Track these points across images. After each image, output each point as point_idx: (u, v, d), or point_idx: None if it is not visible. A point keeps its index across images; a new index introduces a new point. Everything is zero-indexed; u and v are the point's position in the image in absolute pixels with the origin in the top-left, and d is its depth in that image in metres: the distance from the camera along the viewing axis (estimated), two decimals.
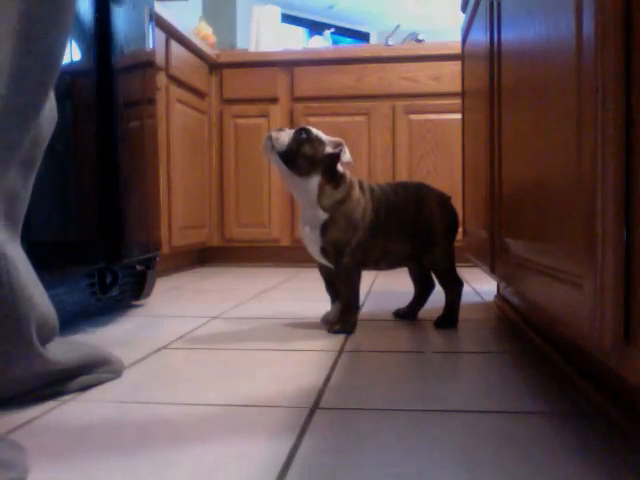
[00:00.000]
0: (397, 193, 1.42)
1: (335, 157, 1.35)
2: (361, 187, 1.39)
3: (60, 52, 0.73)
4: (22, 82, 0.66)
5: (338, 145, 1.36)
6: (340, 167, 1.37)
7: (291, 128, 1.39)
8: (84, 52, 1.40)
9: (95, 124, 1.44)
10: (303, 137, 1.33)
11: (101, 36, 1.46)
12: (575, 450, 0.68)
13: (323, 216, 1.34)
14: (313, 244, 1.38)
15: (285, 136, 1.34)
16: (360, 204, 1.36)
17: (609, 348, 0.58)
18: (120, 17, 1.55)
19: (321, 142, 1.35)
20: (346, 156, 1.36)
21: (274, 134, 1.34)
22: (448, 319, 1.42)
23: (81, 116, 1.40)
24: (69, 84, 1.33)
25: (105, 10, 1.47)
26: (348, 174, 1.39)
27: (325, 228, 1.34)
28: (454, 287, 1.43)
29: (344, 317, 1.36)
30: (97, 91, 1.45)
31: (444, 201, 1.45)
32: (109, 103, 1.48)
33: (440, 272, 1.43)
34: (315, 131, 1.36)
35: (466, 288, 1.55)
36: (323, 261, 1.39)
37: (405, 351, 1.18)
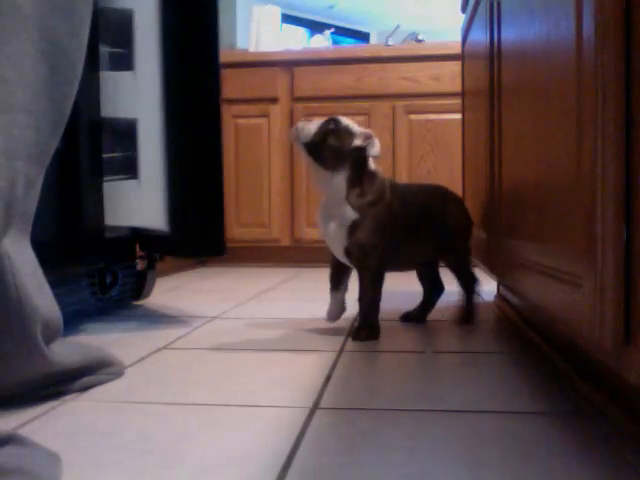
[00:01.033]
0: (426, 197, 1.39)
1: (365, 151, 1.28)
2: (393, 189, 1.33)
3: (79, 68, 0.73)
4: (50, 93, 0.66)
5: (368, 137, 1.29)
6: (372, 164, 1.31)
7: (320, 118, 1.33)
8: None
9: (95, 124, 1.44)
10: (331, 127, 1.27)
11: None
12: (575, 450, 0.68)
13: (352, 216, 1.27)
14: (337, 243, 1.30)
15: (312, 126, 1.28)
16: (392, 208, 1.30)
17: (609, 348, 0.58)
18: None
19: (350, 133, 1.28)
20: (374, 149, 1.28)
21: (301, 124, 1.29)
22: (469, 316, 1.43)
23: (81, 115, 1.39)
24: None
25: None
26: (381, 173, 1.33)
27: (353, 229, 1.27)
28: (473, 284, 1.44)
29: (367, 322, 1.30)
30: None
31: (462, 204, 1.47)
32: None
33: (461, 271, 1.43)
34: (345, 121, 1.30)
35: None
36: (345, 261, 1.33)
37: (405, 351, 1.18)
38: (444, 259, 1.45)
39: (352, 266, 1.34)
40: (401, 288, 2.01)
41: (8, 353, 0.79)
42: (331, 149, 1.27)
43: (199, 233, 1.46)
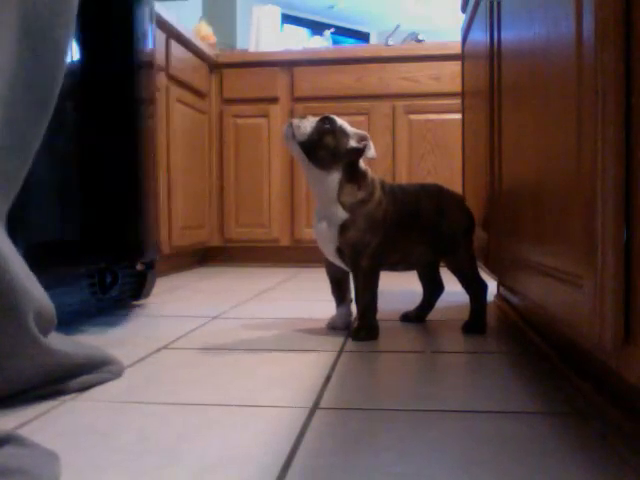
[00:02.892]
0: (418, 195, 1.37)
1: (359, 152, 1.29)
2: (383, 187, 1.33)
3: (65, 49, 0.71)
4: (29, 79, 0.65)
5: (362, 139, 1.29)
6: (362, 164, 1.32)
7: (315, 116, 1.32)
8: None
9: (95, 124, 1.44)
10: (327, 127, 1.27)
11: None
12: (574, 450, 0.68)
13: (343, 215, 1.27)
14: (328, 242, 1.30)
15: (308, 124, 1.27)
16: (382, 205, 1.30)
17: (609, 348, 0.58)
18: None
19: (345, 134, 1.28)
20: (371, 152, 1.29)
21: (296, 122, 1.28)
22: (477, 324, 1.35)
23: (81, 115, 1.39)
24: (72, 84, 1.33)
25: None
26: (370, 172, 1.34)
27: (344, 228, 1.27)
28: (479, 289, 1.37)
29: (364, 322, 1.29)
30: (100, 91, 1.45)
31: (461, 202, 1.43)
32: (111, 103, 1.48)
33: (464, 275, 1.38)
34: (340, 121, 1.30)
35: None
36: (337, 261, 1.33)
37: (405, 351, 1.18)
38: (444, 261, 1.41)
39: (345, 267, 1.33)
40: (400, 288, 2.01)
41: (3, 345, 0.77)
42: (327, 149, 1.27)
43: (99, 239, 1.40)
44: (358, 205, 1.28)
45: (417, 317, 1.48)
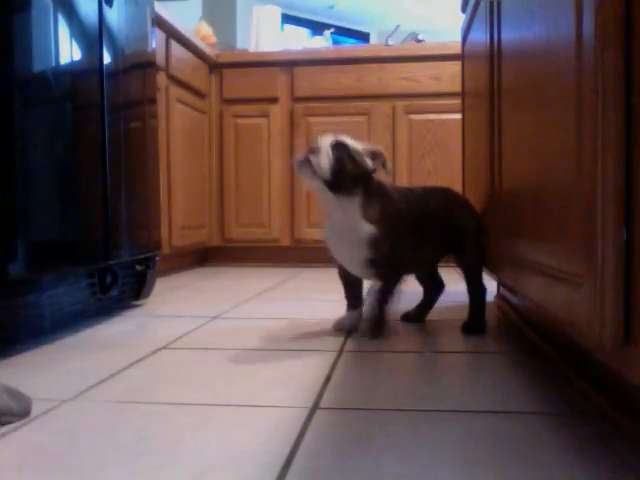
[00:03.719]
0: (427, 198, 1.37)
1: (374, 171, 1.26)
2: (395, 190, 1.32)
3: None
4: None
5: (377, 155, 1.26)
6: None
7: (319, 141, 1.22)
8: (86, 52, 1.40)
9: (96, 124, 1.44)
10: (343, 156, 1.21)
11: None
12: (574, 450, 0.68)
13: (370, 229, 1.24)
14: (354, 258, 1.28)
15: (325, 160, 1.19)
16: (400, 209, 1.29)
17: (609, 348, 0.58)
18: (122, 17, 1.56)
19: (360, 155, 1.24)
20: (389, 167, 1.29)
21: (313, 159, 1.19)
22: (476, 324, 1.36)
23: (82, 116, 1.40)
24: (71, 84, 1.34)
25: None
26: (383, 179, 1.31)
27: (374, 241, 1.24)
28: (480, 291, 1.38)
29: (380, 323, 1.30)
30: (100, 91, 1.45)
31: (469, 205, 1.44)
32: (111, 103, 1.48)
33: (472, 275, 1.39)
34: (351, 143, 1.24)
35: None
36: (363, 275, 1.32)
37: (405, 351, 1.18)
38: (455, 260, 1.41)
39: (370, 278, 1.33)
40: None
41: None
42: (350, 177, 1.22)
43: None
44: (382, 216, 1.26)
45: (417, 317, 1.48)
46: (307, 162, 1.20)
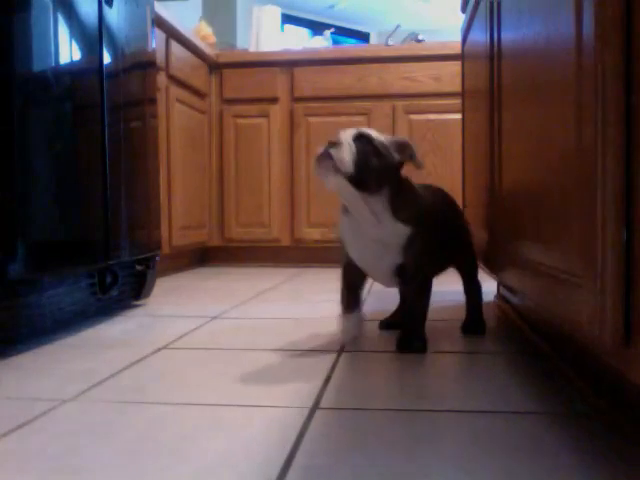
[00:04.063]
0: (437, 196, 1.31)
1: (403, 164, 1.16)
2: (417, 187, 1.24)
3: None
4: None
5: (404, 147, 1.15)
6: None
7: (341, 134, 1.10)
8: (86, 52, 1.40)
9: (96, 124, 1.45)
10: (367, 149, 1.09)
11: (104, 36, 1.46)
12: (574, 450, 0.68)
13: (406, 231, 1.13)
14: (384, 263, 1.17)
15: (347, 153, 1.06)
16: (429, 204, 1.20)
17: (609, 348, 0.58)
18: (122, 17, 1.56)
19: (386, 147, 1.12)
20: (419, 160, 1.15)
21: (334, 153, 1.05)
22: (476, 324, 1.33)
23: (82, 116, 1.40)
24: (71, 84, 1.34)
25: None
26: (408, 177, 1.21)
27: (410, 242, 1.14)
28: (476, 289, 1.37)
29: (419, 332, 1.19)
30: (100, 91, 1.45)
31: (458, 206, 1.43)
32: (111, 103, 1.48)
33: (470, 275, 1.38)
34: (375, 135, 1.13)
35: None
36: (390, 280, 1.21)
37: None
38: (457, 261, 1.37)
39: (398, 283, 1.23)
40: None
41: None
42: (376, 171, 1.10)
43: None
44: (414, 214, 1.15)
45: (396, 324, 1.39)
46: (328, 156, 1.06)
